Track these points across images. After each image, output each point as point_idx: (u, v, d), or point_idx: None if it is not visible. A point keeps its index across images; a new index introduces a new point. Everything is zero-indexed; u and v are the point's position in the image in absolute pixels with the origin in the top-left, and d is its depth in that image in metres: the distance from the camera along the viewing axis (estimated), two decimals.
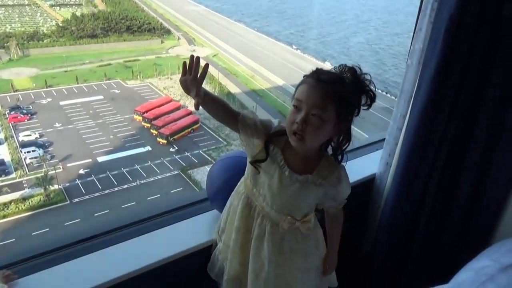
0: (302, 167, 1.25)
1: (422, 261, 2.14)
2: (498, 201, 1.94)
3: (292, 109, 1.18)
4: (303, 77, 1.21)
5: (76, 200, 22.69)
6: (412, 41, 1.85)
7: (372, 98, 1.19)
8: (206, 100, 1.16)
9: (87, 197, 22.93)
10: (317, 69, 1.20)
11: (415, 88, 1.83)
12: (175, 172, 25.67)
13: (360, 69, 1.20)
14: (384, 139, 2.13)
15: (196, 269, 1.62)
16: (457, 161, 1.92)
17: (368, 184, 2.24)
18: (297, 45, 50.01)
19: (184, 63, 1.13)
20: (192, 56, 1.12)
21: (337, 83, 1.15)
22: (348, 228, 2.44)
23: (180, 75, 1.14)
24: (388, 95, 35.43)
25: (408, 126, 1.91)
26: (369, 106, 1.20)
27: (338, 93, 1.14)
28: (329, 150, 1.32)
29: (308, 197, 1.28)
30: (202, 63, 1.14)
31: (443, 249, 2.11)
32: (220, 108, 1.24)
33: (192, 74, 1.12)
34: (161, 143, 28.81)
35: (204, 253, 1.60)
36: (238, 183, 1.44)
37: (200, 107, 1.14)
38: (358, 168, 2.28)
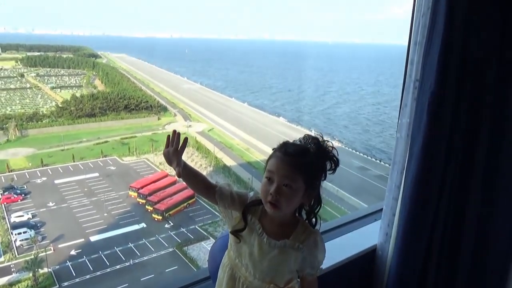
0: (279, 233, 1.31)
1: None
2: (501, 269, 1.93)
3: (265, 181, 1.27)
4: (272, 150, 1.32)
5: (66, 284, 21.58)
6: (399, 115, 1.97)
7: (336, 162, 1.30)
8: (186, 171, 1.29)
9: (77, 280, 21.85)
10: (284, 143, 1.31)
11: (407, 160, 1.90)
12: (170, 249, 24.83)
13: (322, 137, 1.32)
14: (381, 209, 2.15)
15: None
16: (455, 228, 1.94)
17: (370, 256, 2.21)
18: (286, 117, 51.87)
19: (168, 136, 1.29)
20: (174, 131, 1.29)
21: (302, 154, 1.26)
22: None
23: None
24: (382, 162, 35.87)
25: (403, 196, 1.95)
26: (334, 170, 1.30)
27: (304, 164, 1.25)
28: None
29: (288, 262, 1.31)
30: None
31: None
32: (199, 179, 1.35)
33: (174, 146, 1.28)
34: (156, 219, 28.25)
35: None
36: (223, 256, 1.46)
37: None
38: (358, 240, 2.27)
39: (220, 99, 63.17)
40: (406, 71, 1.90)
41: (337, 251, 2.08)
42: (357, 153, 40.03)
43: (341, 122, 50.79)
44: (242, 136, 45.59)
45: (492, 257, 1.94)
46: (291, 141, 1.33)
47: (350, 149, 41.02)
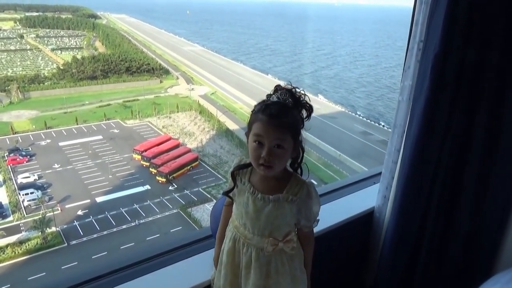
0: (272, 189, 1.35)
1: None
2: (497, 230, 1.97)
3: (255, 145, 1.29)
4: (253, 112, 1.32)
5: (74, 242, 22.25)
6: (401, 78, 1.94)
7: (310, 110, 1.32)
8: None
9: (84, 239, 22.51)
10: (265, 104, 1.30)
11: (407, 123, 1.90)
12: (175, 211, 25.38)
13: (293, 87, 1.31)
14: (380, 173, 2.17)
15: None
16: (453, 192, 1.96)
17: (368, 218, 2.26)
18: (282, 79, 51.77)
19: None
20: None
21: (285, 113, 1.27)
22: (350, 263, 2.44)
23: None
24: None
25: (403, 159, 1.96)
26: (309, 117, 1.33)
27: (290, 122, 1.27)
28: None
29: (284, 215, 1.35)
30: None
31: (446, 280, 2.10)
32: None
33: None
34: (160, 181, 28.64)
35: None
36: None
37: None
38: (356, 202, 2.31)
39: (222, 62, 62.15)
40: (410, 32, 1.85)
41: (335, 213, 2.13)
42: (361, 117, 39.86)
43: (332, 84, 51.30)
44: (244, 99, 45.20)
45: (489, 220, 1.97)
46: (270, 99, 1.31)
47: (353, 114, 40.86)
